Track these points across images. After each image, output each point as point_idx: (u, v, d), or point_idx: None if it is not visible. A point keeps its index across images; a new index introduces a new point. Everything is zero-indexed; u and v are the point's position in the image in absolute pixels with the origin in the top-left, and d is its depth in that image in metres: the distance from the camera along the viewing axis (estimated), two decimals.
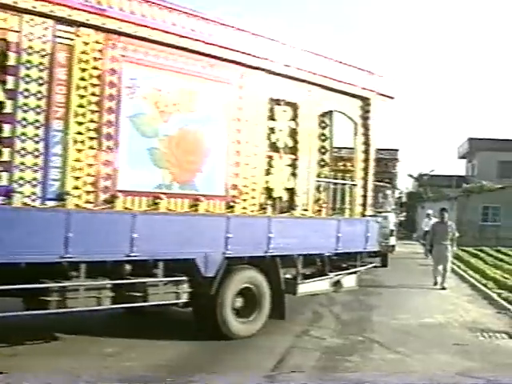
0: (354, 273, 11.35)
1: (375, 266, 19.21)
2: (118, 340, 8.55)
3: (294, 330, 9.95)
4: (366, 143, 11.22)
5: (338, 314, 11.70)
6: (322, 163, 10.86)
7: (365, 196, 11.22)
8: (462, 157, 56.98)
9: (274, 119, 9.60)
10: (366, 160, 11.27)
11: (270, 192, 9.57)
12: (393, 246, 20.73)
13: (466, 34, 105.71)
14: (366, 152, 11.23)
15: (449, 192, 46.37)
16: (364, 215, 11.16)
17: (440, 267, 15.99)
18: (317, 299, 12.59)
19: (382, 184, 20.67)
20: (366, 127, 11.17)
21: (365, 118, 11.16)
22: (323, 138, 10.90)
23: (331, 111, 10.85)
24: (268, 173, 9.52)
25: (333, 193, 10.89)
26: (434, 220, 23.06)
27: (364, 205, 11.20)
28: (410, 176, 51.24)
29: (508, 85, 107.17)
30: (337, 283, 10.85)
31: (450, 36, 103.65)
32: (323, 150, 10.91)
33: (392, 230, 20.39)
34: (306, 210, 10.10)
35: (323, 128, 10.85)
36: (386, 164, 22.27)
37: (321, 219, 10.44)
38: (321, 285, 10.59)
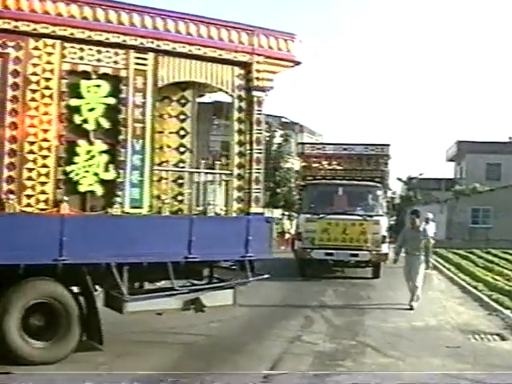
0: (232, 287, 8.91)
1: (371, 277, 17.31)
2: (106, 349, 8.15)
3: (286, 335, 9.87)
4: (249, 121, 8.92)
5: (330, 318, 11.61)
6: (182, 149, 8.98)
7: (248, 189, 8.89)
8: (451, 159, 57.21)
9: (79, 96, 7.88)
10: (250, 143, 8.91)
11: (74, 185, 7.86)
12: (385, 254, 17.29)
13: (454, 39, 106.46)
14: (249, 133, 8.91)
15: (438, 195, 46.59)
16: (248, 213, 8.87)
17: (410, 283, 13.01)
18: (309, 304, 12.54)
19: (372, 184, 18.47)
20: (248, 100, 8.89)
21: (247, 90, 8.89)
22: (182, 117, 9.03)
23: (192, 83, 8.89)
24: (68, 162, 7.80)
25: (197, 185, 9.09)
26: (432, 224, 21.48)
27: (247, 200, 8.87)
28: (399, 179, 51.33)
29: (496, 87, 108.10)
30: (195, 300, 8.56)
31: (438, 41, 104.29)
32: (182, 133, 8.98)
33: (384, 236, 17.37)
34: (138, 207, 8.23)
35: (182, 105, 9.03)
36: (376, 161, 19.64)
37: (160, 218, 8.45)
38: (166, 302, 8.42)
